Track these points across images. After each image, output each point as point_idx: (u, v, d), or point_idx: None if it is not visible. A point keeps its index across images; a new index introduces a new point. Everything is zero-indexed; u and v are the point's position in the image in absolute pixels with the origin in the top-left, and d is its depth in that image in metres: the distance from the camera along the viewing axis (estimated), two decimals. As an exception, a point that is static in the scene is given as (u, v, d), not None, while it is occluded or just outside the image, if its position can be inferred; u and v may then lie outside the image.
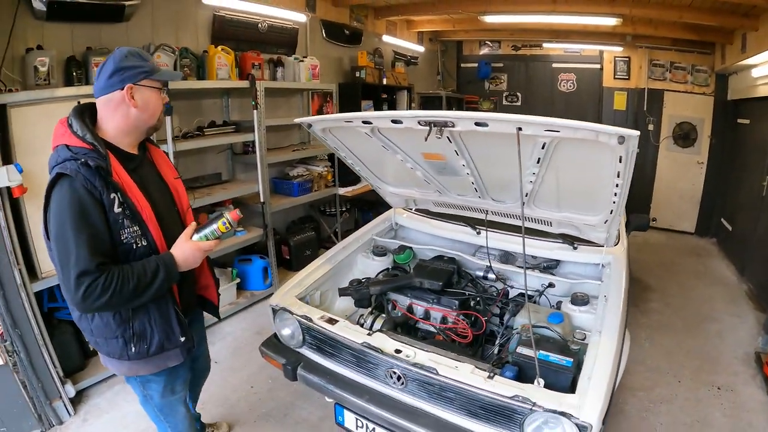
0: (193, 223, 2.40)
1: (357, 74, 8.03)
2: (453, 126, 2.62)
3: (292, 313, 3.13)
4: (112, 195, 2.07)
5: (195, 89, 5.34)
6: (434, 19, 9.54)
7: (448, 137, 2.78)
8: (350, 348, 2.87)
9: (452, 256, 3.76)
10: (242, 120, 5.91)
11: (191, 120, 5.51)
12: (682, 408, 4.11)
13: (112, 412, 4.04)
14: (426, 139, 2.69)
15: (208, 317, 3.13)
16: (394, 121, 2.82)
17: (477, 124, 2.56)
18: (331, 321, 2.99)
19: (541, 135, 2.52)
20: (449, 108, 10.24)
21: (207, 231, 2.35)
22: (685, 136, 9.22)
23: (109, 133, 2.26)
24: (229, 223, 2.36)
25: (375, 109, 8.18)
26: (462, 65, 11.66)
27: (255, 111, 5.54)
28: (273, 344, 3.33)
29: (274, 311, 3.25)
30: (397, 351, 2.66)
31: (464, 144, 2.90)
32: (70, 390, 4.00)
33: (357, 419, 2.92)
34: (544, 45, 10.37)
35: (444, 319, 3.32)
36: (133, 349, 2.28)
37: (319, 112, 7.26)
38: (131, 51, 2.24)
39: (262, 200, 5.81)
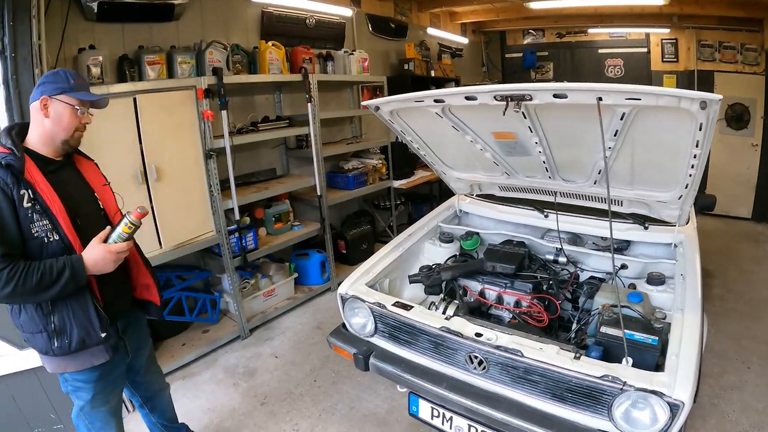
0: (108, 227, 2.42)
1: (405, 66, 7.88)
2: (530, 99, 2.50)
3: (363, 301, 3.01)
4: (22, 191, 2.17)
5: (248, 84, 5.31)
6: (477, 10, 9.34)
7: (522, 113, 2.66)
8: (427, 334, 2.74)
9: (521, 240, 3.63)
10: (295, 114, 5.84)
11: (244, 116, 5.48)
12: (753, 394, 3.88)
13: None
14: (504, 113, 2.59)
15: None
16: (467, 98, 2.72)
17: (556, 96, 2.42)
18: (406, 307, 2.86)
19: (621, 104, 2.38)
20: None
21: (114, 234, 2.37)
22: (738, 117, 8.74)
23: (31, 140, 2.36)
24: (132, 223, 2.37)
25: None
26: (506, 55, 11.40)
27: (309, 104, 5.45)
28: (341, 334, 3.23)
29: (344, 300, 3.14)
30: (478, 335, 2.53)
31: (538, 120, 2.77)
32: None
33: (433, 408, 2.81)
34: (589, 30, 10.09)
35: (518, 304, 3.17)
36: (56, 344, 2.33)
37: (370, 105, 7.15)
38: (62, 71, 2.38)
39: (319, 194, 5.73)
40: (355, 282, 3.19)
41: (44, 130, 2.33)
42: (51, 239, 2.24)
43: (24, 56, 3.34)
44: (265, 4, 5.83)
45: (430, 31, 8.99)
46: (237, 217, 4.88)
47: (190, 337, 4.98)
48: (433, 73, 8.41)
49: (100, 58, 4.13)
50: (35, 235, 2.20)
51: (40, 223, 2.20)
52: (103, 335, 2.38)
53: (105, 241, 2.34)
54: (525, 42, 11.10)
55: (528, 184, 3.64)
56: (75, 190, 2.47)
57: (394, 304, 2.90)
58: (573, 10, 8.78)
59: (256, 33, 5.85)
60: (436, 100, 2.91)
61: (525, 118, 2.72)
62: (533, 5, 8.17)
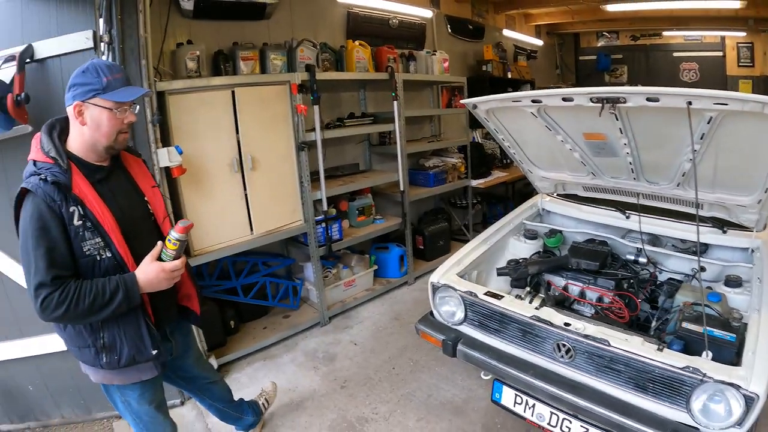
0: (159, 243, 2.28)
1: (483, 68, 7.90)
2: (624, 102, 2.58)
3: (455, 290, 3.07)
4: (72, 208, 2.05)
5: (335, 81, 5.41)
6: (552, 12, 9.28)
7: (615, 115, 2.72)
8: (517, 322, 2.78)
9: (603, 239, 3.64)
10: (378, 112, 5.92)
11: (331, 112, 5.61)
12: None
13: (252, 387, 4.15)
14: (600, 114, 2.67)
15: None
16: (564, 99, 2.79)
17: (648, 99, 2.50)
18: (497, 296, 2.92)
19: (709, 109, 2.42)
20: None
21: (163, 253, 2.25)
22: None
23: (74, 146, 2.20)
24: (177, 240, 2.22)
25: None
26: (580, 58, 11.25)
27: (395, 102, 5.52)
28: (429, 322, 3.28)
29: (435, 288, 3.21)
30: (567, 324, 2.58)
31: (629, 122, 2.82)
32: (213, 364, 4.15)
33: (516, 395, 2.84)
34: (664, 33, 9.88)
35: (600, 299, 3.22)
36: (104, 359, 2.25)
37: (448, 105, 7.22)
38: (92, 65, 2.15)
39: (401, 189, 5.78)
40: (447, 272, 3.26)
41: (84, 137, 2.18)
42: (103, 257, 2.13)
43: (131, 48, 3.49)
44: (350, 4, 5.98)
45: (506, 32, 8.98)
46: (325, 207, 4.98)
47: (271, 321, 5.14)
48: (509, 75, 8.38)
49: (198, 52, 4.31)
50: (87, 253, 2.09)
51: (92, 241, 2.09)
52: (154, 353, 2.31)
53: (159, 257, 2.25)
54: (599, 44, 10.93)
55: (612, 185, 3.65)
56: (124, 198, 2.35)
57: (485, 293, 2.95)
58: (648, 12, 8.61)
59: (341, 32, 6.00)
60: (533, 101, 2.97)
61: (617, 120, 2.77)
62: (609, 8, 8.08)
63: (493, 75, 7.94)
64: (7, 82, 3.07)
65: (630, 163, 3.22)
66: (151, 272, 2.18)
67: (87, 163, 2.21)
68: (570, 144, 3.32)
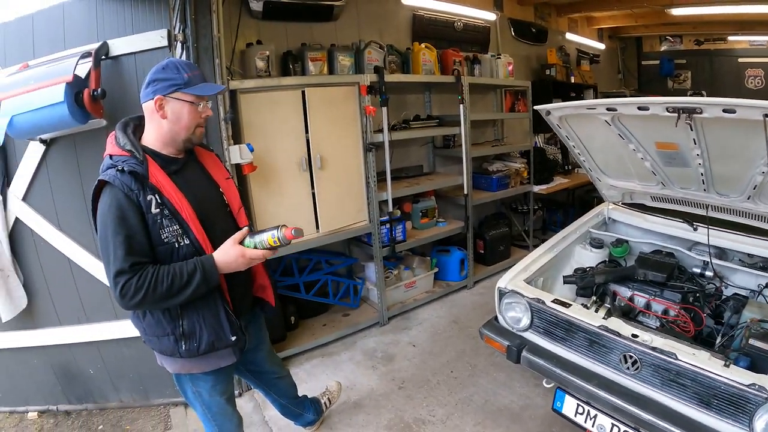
0: (245, 229, 2.30)
1: (547, 72, 7.71)
2: (700, 113, 2.53)
3: (522, 296, 3.00)
4: (149, 197, 2.06)
5: (401, 84, 5.32)
6: (616, 15, 8.96)
7: (690, 125, 2.66)
8: (584, 331, 2.71)
9: (670, 251, 3.50)
10: (443, 114, 5.80)
11: (397, 113, 5.51)
12: None
13: (310, 382, 4.15)
14: (676, 125, 2.64)
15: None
16: (640, 108, 2.77)
17: (725, 110, 2.44)
18: (564, 304, 2.84)
19: None
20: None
21: (257, 239, 2.22)
22: None
23: (149, 140, 2.23)
24: (279, 239, 2.18)
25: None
26: (643, 62, 10.84)
27: (461, 105, 5.40)
28: (494, 327, 3.21)
29: (501, 293, 3.13)
30: (634, 335, 2.50)
31: (703, 132, 2.74)
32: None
33: (578, 405, 2.76)
34: (729, 38, 9.49)
35: (665, 312, 3.08)
36: (184, 347, 2.24)
37: (512, 109, 7.05)
38: (171, 63, 2.19)
39: (465, 192, 5.65)
40: (514, 278, 3.18)
41: (162, 131, 2.21)
42: (181, 244, 2.14)
43: (205, 47, 3.49)
44: (415, 7, 5.90)
45: (569, 36, 8.75)
46: (390, 208, 4.91)
47: (331, 318, 5.11)
48: (572, 79, 8.19)
49: (267, 53, 4.30)
50: (165, 240, 2.11)
51: (170, 229, 2.11)
52: (233, 338, 2.31)
53: (241, 242, 2.24)
54: (662, 49, 10.54)
55: (681, 196, 3.54)
56: (200, 188, 2.35)
57: (553, 301, 2.88)
58: (712, 17, 8.30)
59: (407, 34, 5.93)
60: (608, 109, 2.94)
61: (691, 130, 2.71)
62: (674, 12, 7.77)
63: (557, 79, 7.76)
64: (84, 77, 3.12)
65: (701, 174, 3.12)
66: (231, 254, 2.18)
67: (162, 155, 2.23)
68: (641, 153, 3.25)
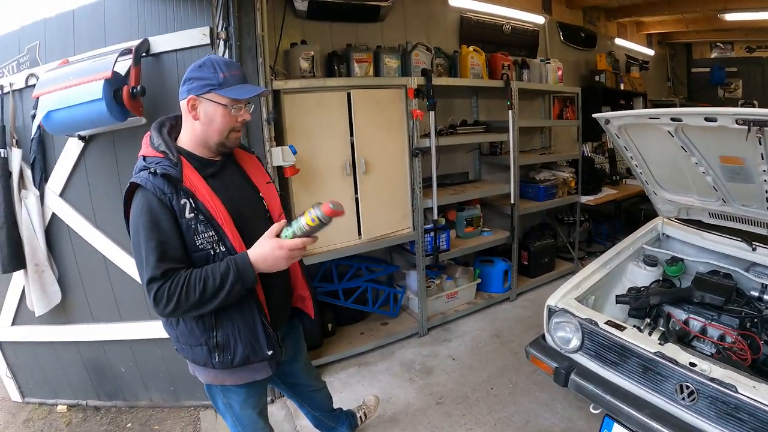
0: (282, 221, 2.03)
1: (597, 78, 7.37)
2: None
3: (574, 316, 2.83)
4: (183, 201, 1.90)
5: (447, 88, 5.03)
6: (666, 20, 8.56)
7: (759, 139, 2.49)
8: (639, 357, 2.52)
9: (728, 272, 3.26)
10: (490, 120, 5.58)
11: (443, 118, 5.23)
12: None
13: (345, 392, 4.03)
14: (746, 138, 2.48)
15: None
16: (707, 119, 2.63)
17: None
18: (619, 327, 2.67)
19: None
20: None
21: (294, 227, 1.94)
22: None
23: (184, 141, 2.08)
24: (318, 218, 1.87)
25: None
26: (692, 70, 10.31)
27: (510, 111, 5.12)
28: (540, 346, 3.04)
29: (551, 312, 2.97)
30: (692, 364, 2.32)
31: None
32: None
33: None
34: None
35: (721, 338, 2.89)
36: (217, 358, 2.10)
37: (560, 116, 6.75)
38: (209, 60, 2.01)
39: (512, 202, 5.38)
40: (565, 296, 3.01)
41: (195, 132, 2.05)
42: (217, 251, 1.97)
43: (249, 46, 3.37)
44: (463, 9, 5.67)
45: (618, 41, 8.38)
46: (435, 216, 4.67)
47: (369, 327, 4.89)
48: (622, 86, 7.84)
49: (312, 53, 4.11)
50: (200, 247, 1.95)
51: (205, 235, 1.94)
52: (270, 353, 2.16)
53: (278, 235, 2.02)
54: (712, 56, 10.03)
55: (742, 213, 3.33)
56: (237, 192, 2.18)
57: (606, 323, 2.71)
58: (766, 22, 7.75)
59: (454, 37, 5.69)
60: (672, 119, 2.80)
61: (760, 144, 2.54)
62: (728, 17, 7.40)
63: (606, 86, 7.42)
64: (123, 74, 3.02)
65: (766, 192, 2.94)
66: (265, 247, 1.96)
67: (198, 157, 2.08)
68: (703, 167, 3.08)
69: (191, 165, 2.00)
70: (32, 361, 3.97)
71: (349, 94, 3.95)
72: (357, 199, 4.15)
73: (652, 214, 3.97)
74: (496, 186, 5.53)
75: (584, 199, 6.53)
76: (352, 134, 4.01)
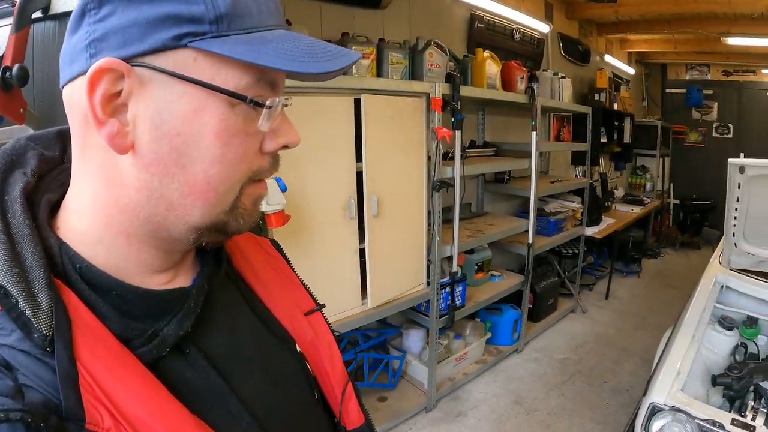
0: None
1: (596, 97, 6.31)
2: None
3: (692, 417, 2.10)
4: None
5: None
6: (654, 39, 7.71)
7: None
8: None
9: None
10: (497, 141, 4.44)
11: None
12: None
13: None
14: None
15: None
16: None
17: None
18: (747, 427, 2.04)
19: None
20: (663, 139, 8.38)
21: None
22: None
23: (80, 230, 0.56)
24: None
25: (607, 138, 6.49)
26: (667, 90, 9.57)
27: (533, 133, 3.96)
28: None
29: (655, 411, 2.19)
30: None
31: None
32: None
33: None
34: (764, 71, 8.31)
35: None
36: None
37: (557, 138, 5.65)
38: None
39: (530, 241, 4.21)
40: (671, 388, 2.27)
41: (121, 200, 0.53)
42: None
43: None
44: (474, 6, 4.46)
45: (607, 58, 7.43)
46: (454, 267, 3.41)
47: (365, 405, 3.47)
48: (615, 106, 6.87)
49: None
50: None
51: None
52: None
53: None
54: (687, 77, 9.33)
55: None
56: (250, 370, 0.69)
57: (733, 423, 2.06)
58: (749, 48, 7.02)
59: (461, 39, 4.49)
60: None
61: None
62: (731, 41, 6.54)
63: (605, 106, 6.42)
64: None
65: None
66: None
67: (128, 287, 0.56)
68: None
69: (106, 325, 0.52)
70: None
71: (357, 101, 2.61)
72: (362, 251, 2.81)
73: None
74: (513, 222, 4.34)
75: (589, 231, 5.51)
76: (359, 158, 2.68)
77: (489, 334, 4.27)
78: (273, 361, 0.74)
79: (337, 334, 0.94)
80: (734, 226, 2.97)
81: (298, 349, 0.80)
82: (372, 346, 3.67)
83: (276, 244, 0.93)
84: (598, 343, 4.74)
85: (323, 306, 0.91)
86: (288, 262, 0.92)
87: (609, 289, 5.98)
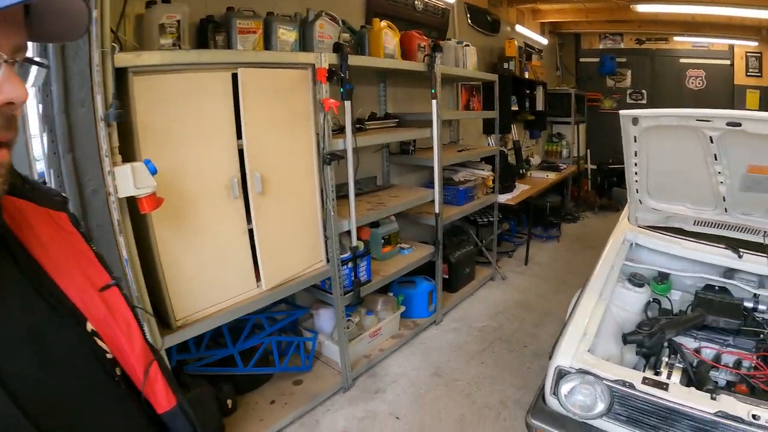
0: None
1: (505, 65, 6.34)
2: None
3: (600, 378, 2.10)
4: None
5: (357, 71, 3.59)
6: (565, 9, 7.90)
7: None
8: (693, 419, 1.93)
9: (723, 286, 2.81)
10: (400, 113, 4.38)
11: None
12: None
13: None
14: None
15: None
16: None
17: None
18: (660, 385, 2.03)
19: None
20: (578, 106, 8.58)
21: None
22: None
23: None
24: None
25: (519, 107, 6.57)
26: (581, 60, 9.84)
27: (433, 101, 3.91)
28: (545, 413, 2.23)
29: (562, 374, 2.20)
30: (755, 416, 1.84)
31: None
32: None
33: None
34: (675, 39, 8.79)
35: (737, 364, 2.41)
36: None
37: (467, 107, 5.63)
38: None
39: (437, 211, 4.17)
40: (578, 349, 2.28)
41: None
42: None
43: None
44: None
45: (518, 28, 7.49)
46: (354, 241, 3.34)
47: (279, 389, 3.40)
48: (527, 75, 6.96)
49: (177, 17, 2.58)
50: None
51: None
52: None
53: None
54: (601, 47, 9.64)
55: (742, 222, 2.93)
56: (28, 345, 0.67)
57: (644, 382, 2.06)
58: (670, 16, 7.40)
59: (360, 10, 4.39)
60: (729, 123, 2.32)
61: None
62: (639, 8, 6.78)
63: (515, 74, 6.48)
64: None
65: None
66: None
67: None
68: (724, 176, 2.67)
69: None
70: None
71: (235, 75, 2.49)
72: (251, 232, 2.70)
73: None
74: (417, 193, 4.28)
75: (502, 198, 5.60)
76: (240, 136, 2.57)
77: (403, 308, 4.24)
78: (48, 340, 0.69)
79: (139, 308, 0.89)
80: (636, 182, 2.99)
81: (90, 327, 0.76)
82: (282, 329, 3.56)
83: (74, 219, 0.88)
84: (518, 308, 4.82)
85: (119, 279, 0.87)
86: (84, 237, 0.87)
87: (528, 254, 6.09)
